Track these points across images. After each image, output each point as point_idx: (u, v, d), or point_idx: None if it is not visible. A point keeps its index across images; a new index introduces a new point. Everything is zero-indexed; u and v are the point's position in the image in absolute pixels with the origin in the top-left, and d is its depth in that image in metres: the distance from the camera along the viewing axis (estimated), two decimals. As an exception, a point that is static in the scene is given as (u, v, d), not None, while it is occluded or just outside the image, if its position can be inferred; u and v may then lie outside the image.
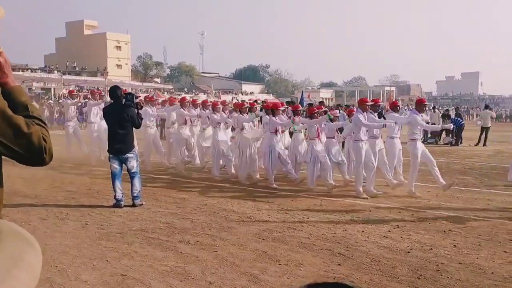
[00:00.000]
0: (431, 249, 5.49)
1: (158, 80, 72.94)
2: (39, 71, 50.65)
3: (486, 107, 22.06)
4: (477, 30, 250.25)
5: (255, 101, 15.95)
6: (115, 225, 6.49)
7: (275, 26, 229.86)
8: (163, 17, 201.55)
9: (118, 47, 67.61)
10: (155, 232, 6.11)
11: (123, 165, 7.63)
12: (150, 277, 4.56)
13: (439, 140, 20.46)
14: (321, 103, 17.59)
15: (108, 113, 7.73)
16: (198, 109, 11.73)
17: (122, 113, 7.44)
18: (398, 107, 10.55)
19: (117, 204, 7.49)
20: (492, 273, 4.73)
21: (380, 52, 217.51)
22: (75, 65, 58.45)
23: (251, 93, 69.52)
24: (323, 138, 9.41)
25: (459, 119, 20.12)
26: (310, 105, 14.44)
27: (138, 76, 66.43)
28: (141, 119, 7.78)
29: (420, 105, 9.20)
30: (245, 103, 11.81)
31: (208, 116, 10.86)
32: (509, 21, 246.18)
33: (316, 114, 9.32)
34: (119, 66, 66.80)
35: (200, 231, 6.19)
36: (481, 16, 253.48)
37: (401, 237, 5.97)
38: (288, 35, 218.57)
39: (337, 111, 11.49)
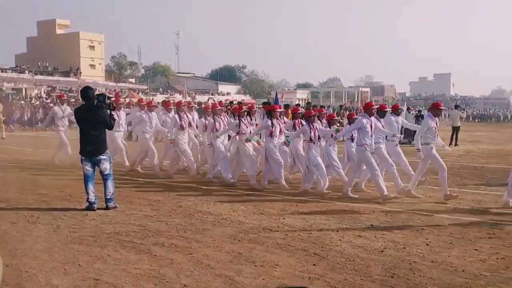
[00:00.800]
0: (404, 248, 5.56)
1: (133, 80, 72.24)
2: (10, 71, 49.61)
3: (456, 107, 22.52)
4: (449, 32, 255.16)
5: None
6: (87, 228, 6.37)
7: (251, 26, 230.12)
8: (137, 16, 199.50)
9: (92, 47, 66.71)
10: (129, 235, 6.03)
11: (96, 167, 7.50)
12: (124, 280, 4.50)
13: (412, 140, 20.76)
14: (322, 107, 17.48)
15: (79, 114, 7.58)
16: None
17: (94, 114, 7.32)
18: (399, 110, 10.16)
19: (90, 207, 7.36)
20: (463, 270, 4.82)
21: (355, 54, 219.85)
22: (47, 65, 57.43)
23: (228, 93, 69.50)
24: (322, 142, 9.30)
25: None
26: (286, 106, 14.46)
27: (112, 76, 65.60)
28: (114, 120, 7.66)
29: (436, 109, 8.76)
30: (243, 107, 11.14)
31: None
32: (480, 24, 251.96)
33: (312, 118, 9.11)
34: (92, 66, 65.93)
35: (175, 233, 6.14)
36: (453, 19, 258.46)
37: (375, 237, 6.04)
38: (264, 36, 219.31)
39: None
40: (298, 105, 18.54)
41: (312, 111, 9.80)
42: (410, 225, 6.65)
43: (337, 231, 6.29)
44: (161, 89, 65.26)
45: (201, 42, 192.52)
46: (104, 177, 7.46)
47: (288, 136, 9.55)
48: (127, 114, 12.39)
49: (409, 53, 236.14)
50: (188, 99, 38.73)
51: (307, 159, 8.97)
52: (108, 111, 7.44)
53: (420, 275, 4.69)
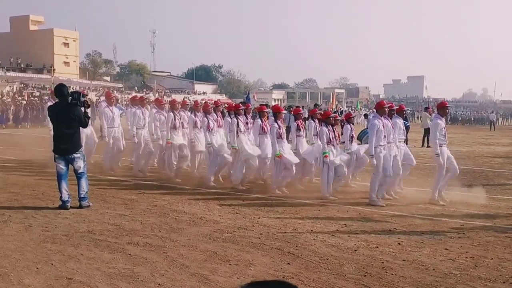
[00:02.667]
0: (377, 247, 5.65)
1: (108, 78, 71.17)
2: (-19, 67, 48.29)
3: (426, 109, 22.91)
4: (423, 35, 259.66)
5: (266, 104, 15.29)
6: (60, 227, 6.29)
7: (228, 26, 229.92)
8: (113, 14, 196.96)
9: (66, 44, 65.47)
10: (103, 234, 5.97)
11: (70, 165, 7.40)
12: (97, 280, 4.46)
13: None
14: (298, 107, 17.22)
15: (53, 112, 7.46)
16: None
17: (68, 112, 7.22)
18: (404, 112, 10.01)
19: (63, 206, 7.25)
20: (434, 269, 4.92)
21: (330, 55, 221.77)
22: (19, 61, 56.17)
23: (204, 93, 69.26)
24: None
25: (405, 122, 20.76)
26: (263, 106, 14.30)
27: (86, 74, 64.50)
28: (88, 118, 7.57)
29: (442, 109, 8.61)
30: (240, 105, 10.78)
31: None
32: (453, 28, 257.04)
33: (330, 119, 8.89)
34: (66, 63, 64.70)
35: (149, 232, 6.11)
36: (427, 23, 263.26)
37: (349, 236, 6.12)
38: (241, 36, 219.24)
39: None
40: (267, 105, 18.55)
41: (330, 111, 9.66)
42: (382, 225, 6.76)
43: (311, 230, 6.35)
44: (136, 88, 64.52)
45: (178, 41, 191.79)
46: (78, 176, 7.36)
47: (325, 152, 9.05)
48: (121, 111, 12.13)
49: (383, 56, 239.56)
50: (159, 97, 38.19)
51: (323, 163, 8.64)
52: (83, 108, 7.35)
53: (392, 274, 4.77)
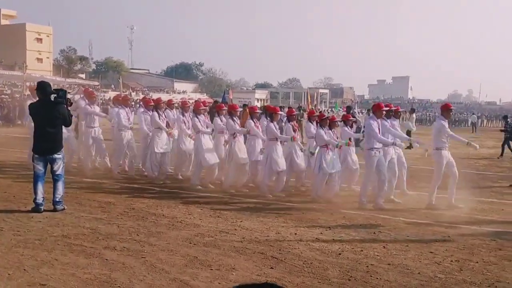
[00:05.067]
0: (362, 250, 5.58)
1: (83, 75, 70.12)
2: (-51, 63, 47.07)
3: (412, 111, 23.04)
4: (408, 35, 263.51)
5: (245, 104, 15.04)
6: (33, 231, 6.06)
7: (210, 23, 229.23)
8: (89, 8, 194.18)
9: (39, 40, 64.28)
10: (78, 238, 5.77)
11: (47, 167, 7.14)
12: (72, 286, 4.32)
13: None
14: (281, 107, 17.16)
15: (36, 110, 7.15)
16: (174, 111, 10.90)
17: (52, 111, 6.97)
18: (400, 113, 9.79)
19: (36, 209, 6.99)
20: (419, 273, 4.87)
21: (314, 55, 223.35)
22: (-11, 57, 54.97)
23: (184, 91, 68.75)
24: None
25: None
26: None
27: (60, 71, 63.41)
28: (72, 116, 7.33)
29: (447, 111, 8.32)
30: (237, 106, 10.64)
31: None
32: (438, 29, 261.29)
33: (325, 121, 8.63)
34: (39, 59, 63.52)
35: (127, 236, 5.92)
36: (412, 23, 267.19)
37: (333, 239, 6.03)
38: (223, 33, 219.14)
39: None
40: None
41: (324, 114, 9.46)
42: (367, 228, 6.70)
43: (295, 234, 6.25)
44: (113, 86, 63.69)
45: (157, 37, 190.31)
46: (55, 178, 7.11)
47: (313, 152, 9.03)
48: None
49: (368, 56, 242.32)
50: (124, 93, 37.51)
51: (318, 166, 8.43)
52: (66, 107, 7.12)
53: (377, 278, 4.71)
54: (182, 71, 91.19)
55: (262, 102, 66.14)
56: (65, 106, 7.11)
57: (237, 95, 60.76)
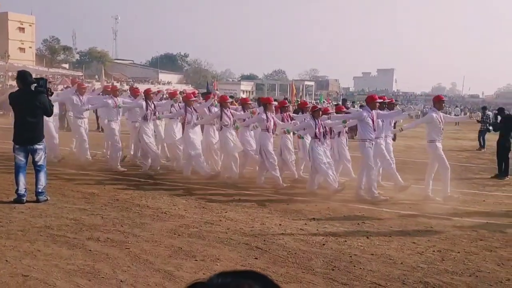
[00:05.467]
0: (345, 241, 5.63)
1: (66, 66, 69.05)
2: None
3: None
4: (393, 28, 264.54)
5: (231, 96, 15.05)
6: (16, 222, 5.99)
7: (195, 13, 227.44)
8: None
9: (21, 29, 63.06)
10: (61, 229, 5.72)
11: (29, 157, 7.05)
12: (55, 277, 4.29)
13: (355, 135, 21.24)
14: (344, 100, 16.95)
15: (16, 99, 7.01)
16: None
17: (33, 100, 6.85)
18: (394, 106, 9.67)
19: (19, 200, 6.90)
20: (402, 263, 4.93)
21: (300, 47, 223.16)
22: (-30, 47, 53.83)
23: (169, 82, 68.20)
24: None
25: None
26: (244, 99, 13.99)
27: (43, 61, 62.38)
28: (52, 106, 7.22)
29: (439, 102, 8.32)
30: (228, 96, 10.64)
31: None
32: (422, 22, 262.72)
33: (317, 112, 8.52)
34: (22, 49, 62.36)
35: (111, 227, 5.89)
36: (396, 16, 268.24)
37: (317, 230, 6.07)
38: (209, 24, 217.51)
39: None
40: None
41: (317, 105, 9.38)
42: (351, 218, 6.74)
43: (280, 224, 6.27)
44: (97, 76, 62.95)
45: (141, 27, 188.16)
46: (37, 168, 7.02)
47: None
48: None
49: (353, 48, 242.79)
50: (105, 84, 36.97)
51: (311, 158, 8.38)
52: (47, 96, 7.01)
53: (360, 268, 4.76)
54: (167, 62, 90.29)
55: (248, 94, 66.01)
56: (46, 95, 7.01)
57: (222, 86, 60.49)
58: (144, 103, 10.05)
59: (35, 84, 6.92)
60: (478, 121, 15.07)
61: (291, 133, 9.22)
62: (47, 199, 7.08)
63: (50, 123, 10.27)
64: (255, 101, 17.30)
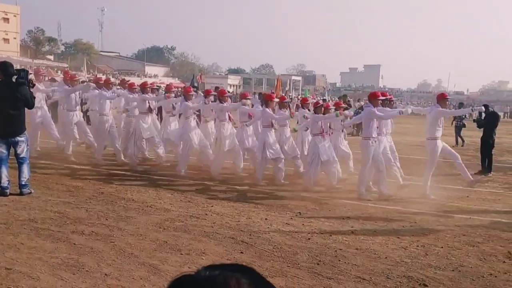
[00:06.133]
0: (331, 235, 5.66)
1: (51, 57, 68.17)
2: None
3: None
4: (380, 25, 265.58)
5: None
6: (-2, 214, 5.91)
7: (182, 6, 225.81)
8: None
9: (6, 19, 62.04)
10: (45, 223, 5.66)
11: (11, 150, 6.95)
12: (39, 270, 4.25)
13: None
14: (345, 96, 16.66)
15: None
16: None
17: (14, 92, 6.75)
18: (393, 102, 9.67)
19: (2, 192, 6.81)
20: (386, 257, 4.97)
21: (288, 42, 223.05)
22: (-47, 37, 52.87)
23: (155, 75, 67.72)
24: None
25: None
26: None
27: (28, 52, 61.52)
28: (34, 98, 7.12)
29: (443, 100, 8.27)
30: (227, 91, 10.61)
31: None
32: (410, 19, 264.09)
33: (320, 108, 8.55)
34: (6, 40, 61.43)
35: (95, 221, 5.84)
36: (383, 13, 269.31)
37: (303, 224, 6.09)
38: (195, 17, 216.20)
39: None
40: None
41: (320, 101, 9.34)
42: (336, 213, 6.78)
43: (266, 218, 6.28)
44: (82, 68, 62.32)
45: (128, 19, 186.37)
46: (20, 161, 6.94)
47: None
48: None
49: (340, 43, 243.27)
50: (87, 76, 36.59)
51: (312, 154, 8.37)
52: (28, 88, 6.90)
53: (345, 262, 4.79)
54: (154, 55, 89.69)
55: (235, 88, 65.90)
56: (28, 87, 6.91)
57: (209, 80, 60.31)
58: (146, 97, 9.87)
59: (16, 76, 6.82)
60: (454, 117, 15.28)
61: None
62: (31, 192, 7.00)
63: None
64: (253, 95, 17.19)
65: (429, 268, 4.73)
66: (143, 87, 10.17)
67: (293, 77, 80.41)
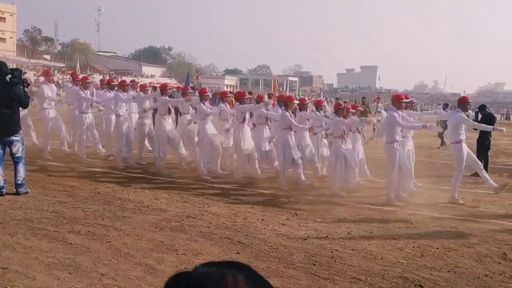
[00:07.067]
0: (327, 236, 5.67)
1: (48, 57, 67.96)
2: None
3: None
4: (376, 26, 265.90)
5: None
6: (-5, 214, 5.89)
7: (179, 6, 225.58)
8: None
9: (2, 19, 61.82)
10: (42, 222, 5.66)
11: (6, 149, 6.93)
12: (35, 269, 4.25)
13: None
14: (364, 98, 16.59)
15: None
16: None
17: (8, 91, 6.74)
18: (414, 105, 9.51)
19: (-2, 192, 6.80)
20: (382, 258, 4.98)
21: (285, 42, 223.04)
22: (-51, 37, 52.65)
23: (152, 76, 67.68)
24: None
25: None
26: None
27: (24, 51, 61.32)
28: (29, 97, 7.10)
29: (464, 104, 8.13)
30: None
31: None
32: (406, 20, 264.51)
33: (341, 110, 8.42)
34: (2, 39, 61.20)
35: (92, 220, 5.84)
36: (381, 14, 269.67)
37: (299, 225, 6.10)
38: (192, 18, 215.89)
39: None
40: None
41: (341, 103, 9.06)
42: (332, 214, 6.79)
43: (262, 219, 6.29)
44: (78, 68, 62.13)
45: (125, 19, 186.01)
46: (15, 160, 6.93)
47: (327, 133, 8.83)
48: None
49: (338, 45, 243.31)
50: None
51: (335, 158, 8.19)
52: (22, 87, 6.89)
53: (341, 263, 4.80)
54: (151, 55, 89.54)
55: (232, 88, 65.79)
56: (21, 86, 6.90)
57: (206, 80, 60.24)
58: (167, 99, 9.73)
59: (10, 75, 6.81)
60: None
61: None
62: (27, 192, 6.99)
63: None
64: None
65: (425, 269, 4.74)
66: (164, 89, 9.96)
67: (290, 78, 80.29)
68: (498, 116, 18.98)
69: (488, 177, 8.19)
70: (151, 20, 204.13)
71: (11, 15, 63.65)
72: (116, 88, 10.47)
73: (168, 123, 9.72)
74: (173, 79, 70.38)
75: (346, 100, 29.87)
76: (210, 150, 9.15)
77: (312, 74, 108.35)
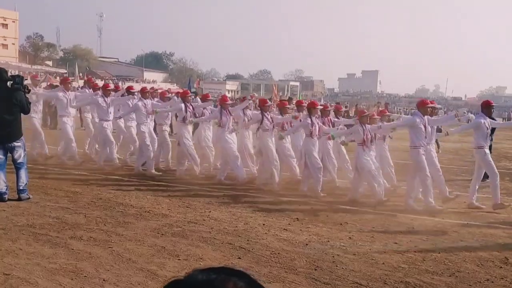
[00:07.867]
0: (328, 241, 5.67)
1: (50, 63, 68.15)
2: None
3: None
4: (377, 31, 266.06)
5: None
6: (-3, 220, 5.91)
7: (181, 12, 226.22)
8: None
9: (4, 25, 62.12)
10: (44, 228, 5.67)
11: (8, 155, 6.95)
12: (37, 275, 4.25)
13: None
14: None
15: None
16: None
17: (10, 97, 6.77)
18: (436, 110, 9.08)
19: (0, 198, 6.82)
20: (383, 263, 4.98)
21: (285, 47, 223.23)
22: (-49, 43, 52.87)
23: (154, 81, 67.73)
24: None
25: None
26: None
27: (27, 57, 61.50)
28: (30, 103, 7.13)
29: (487, 107, 8.01)
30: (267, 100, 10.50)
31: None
32: (407, 24, 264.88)
33: (365, 118, 8.20)
34: (4, 45, 61.49)
35: (94, 226, 5.85)
36: (381, 19, 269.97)
37: (300, 230, 6.10)
38: (194, 23, 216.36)
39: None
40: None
41: (365, 110, 9.05)
42: (334, 219, 6.79)
43: (263, 224, 6.29)
44: (81, 74, 62.28)
45: (126, 25, 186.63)
46: (17, 166, 6.95)
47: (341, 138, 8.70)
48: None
49: (339, 50, 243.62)
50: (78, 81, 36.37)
51: (357, 164, 8.06)
52: (24, 93, 6.92)
53: (343, 268, 4.80)
54: (152, 60, 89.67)
55: (233, 93, 65.85)
56: (23, 92, 6.94)
57: (208, 85, 60.30)
58: (183, 105, 9.62)
59: (11, 81, 6.85)
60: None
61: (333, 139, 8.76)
62: (29, 197, 7.01)
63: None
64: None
65: (427, 273, 4.74)
66: (184, 96, 9.94)
67: (291, 83, 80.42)
68: (499, 120, 18.92)
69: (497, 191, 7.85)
70: (153, 25, 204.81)
71: (13, 22, 63.94)
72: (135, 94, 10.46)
73: (189, 130, 9.86)
74: (175, 84, 70.44)
75: (347, 105, 29.89)
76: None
77: (313, 78, 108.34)
